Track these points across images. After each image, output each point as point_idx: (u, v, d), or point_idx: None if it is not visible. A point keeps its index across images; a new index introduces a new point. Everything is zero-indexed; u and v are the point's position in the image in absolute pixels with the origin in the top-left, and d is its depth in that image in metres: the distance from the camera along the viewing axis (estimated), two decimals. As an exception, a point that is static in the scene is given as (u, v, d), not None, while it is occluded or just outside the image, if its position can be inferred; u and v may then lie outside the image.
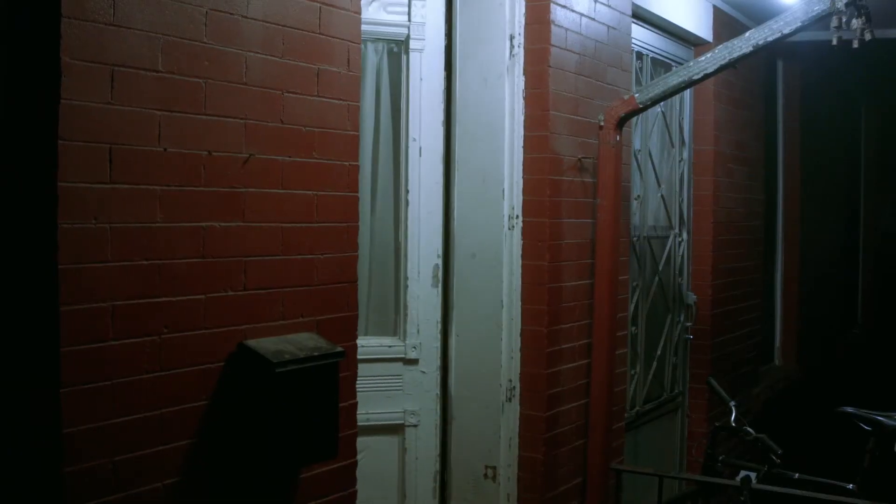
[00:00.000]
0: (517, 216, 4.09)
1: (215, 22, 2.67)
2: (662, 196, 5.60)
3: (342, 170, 3.13)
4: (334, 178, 3.09)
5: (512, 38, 4.06)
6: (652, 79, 5.25)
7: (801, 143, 7.82)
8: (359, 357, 3.26)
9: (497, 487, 4.11)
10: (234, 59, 2.73)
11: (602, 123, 4.17)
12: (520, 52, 4.07)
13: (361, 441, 3.33)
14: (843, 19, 3.61)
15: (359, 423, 3.27)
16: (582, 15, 4.27)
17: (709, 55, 4.00)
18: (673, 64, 5.52)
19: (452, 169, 4.14)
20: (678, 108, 5.76)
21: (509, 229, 4.08)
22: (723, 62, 3.95)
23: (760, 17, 5.14)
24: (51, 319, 2.31)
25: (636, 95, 4.15)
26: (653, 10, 5.08)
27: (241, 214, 2.77)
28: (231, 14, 2.72)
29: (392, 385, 4.02)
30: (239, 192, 2.76)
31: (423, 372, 4.06)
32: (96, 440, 2.39)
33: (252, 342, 2.78)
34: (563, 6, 4.13)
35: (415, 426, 4.06)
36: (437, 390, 4.10)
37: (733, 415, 4.48)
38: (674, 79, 4.08)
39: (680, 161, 5.83)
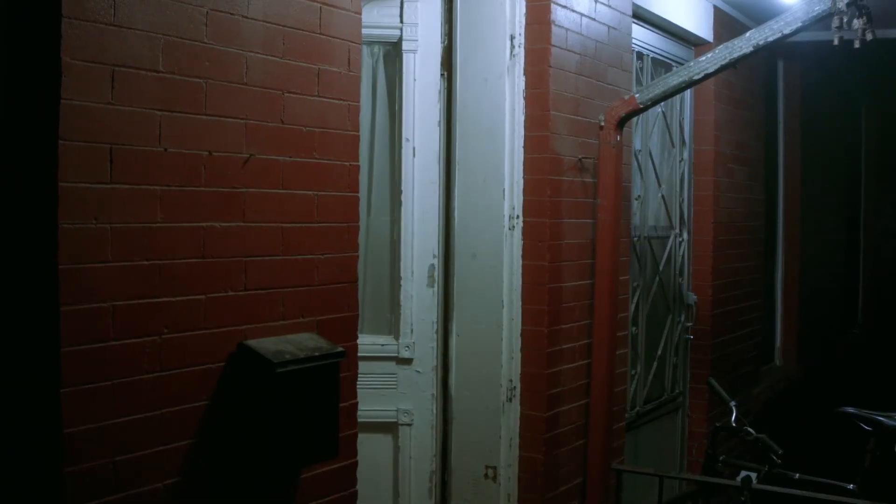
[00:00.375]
0: (517, 216, 4.09)
1: (216, 22, 2.67)
2: (663, 196, 5.60)
3: (342, 170, 3.13)
4: (334, 178, 3.09)
5: (512, 38, 4.06)
6: (652, 79, 5.25)
7: (801, 143, 7.82)
8: (356, 356, 3.27)
9: (497, 487, 4.11)
10: (234, 60, 2.73)
11: (602, 123, 4.17)
12: (520, 53, 4.07)
13: (355, 439, 3.33)
14: (844, 19, 3.60)
15: (355, 422, 3.28)
16: (582, 15, 4.27)
17: (709, 55, 4.00)
18: (673, 64, 5.52)
19: (453, 169, 4.14)
20: (678, 108, 5.76)
21: (510, 229, 4.08)
22: (723, 62, 3.95)
23: (761, 17, 5.14)
24: (51, 319, 2.31)
25: (636, 95, 4.15)
26: (653, 10, 5.08)
27: (242, 214, 2.77)
28: (231, 14, 2.72)
29: (386, 384, 4.04)
30: (239, 192, 2.76)
31: (419, 371, 4.07)
32: (96, 440, 2.39)
33: (252, 342, 2.78)
34: (564, 6, 4.13)
35: (409, 425, 4.06)
36: (433, 390, 4.11)
37: (733, 415, 4.48)
38: (674, 79, 4.08)
39: (680, 161, 5.83)
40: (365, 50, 3.95)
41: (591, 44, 4.36)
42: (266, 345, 2.79)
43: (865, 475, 4.49)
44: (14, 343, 2.38)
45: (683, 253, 5.88)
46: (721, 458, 4.48)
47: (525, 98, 4.08)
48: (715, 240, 5.96)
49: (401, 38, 4.03)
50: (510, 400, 4.10)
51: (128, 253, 2.46)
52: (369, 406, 3.89)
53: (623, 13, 4.65)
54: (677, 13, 5.39)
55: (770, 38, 3.83)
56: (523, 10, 4.06)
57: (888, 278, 10.55)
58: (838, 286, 9.51)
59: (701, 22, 5.71)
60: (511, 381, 4.10)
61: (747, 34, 3.92)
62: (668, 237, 5.71)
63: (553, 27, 4.05)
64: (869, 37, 3.62)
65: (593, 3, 4.37)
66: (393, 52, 4.07)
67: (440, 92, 4.10)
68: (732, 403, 4.53)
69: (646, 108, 4.21)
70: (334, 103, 3.08)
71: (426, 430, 4.10)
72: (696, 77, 4.03)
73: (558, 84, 4.10)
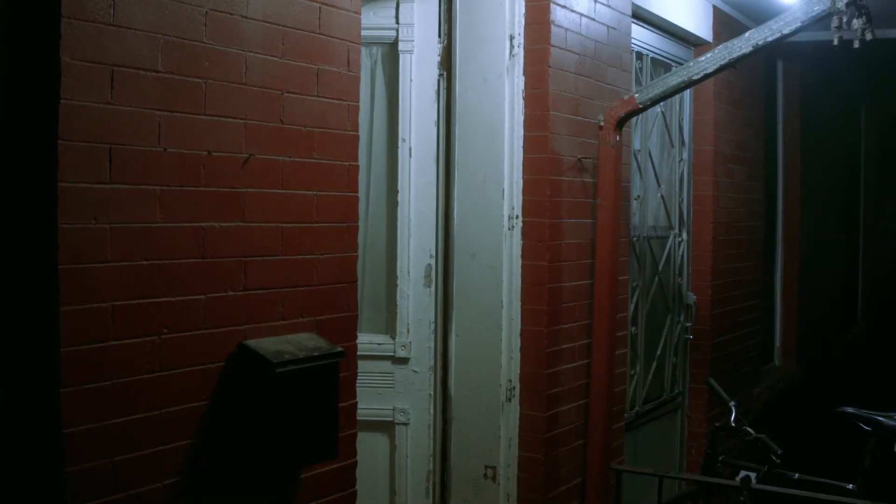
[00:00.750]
0: (517, 216, 4.10)
1: (215, 22, 2.67)
2: (662, 196, 5.60)
3: (342, 170, 3.13)
4: (334, 178, 3.09)
5: (512, 38, 4.06)
6: (652, 79, 5.26)
7: (801, 143, 7.82)
8: (353, 355, 3.27)
9: (497, 487, 4.11)
10: (234, 60, 2.73)
11: (602, 124, 4.17)
12: (520, 53, 4.07)
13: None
14: (844, 19, 3.60)
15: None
16: (582, 15, 4.27)
17: (709, 55, 4.00)
18: (673, 64, 5.52)
19: (452, 169, 4.14)
20: (678, 108, 5.76)
21: (509, 229, 4.09)
22: (722, 62, 3.95)
23: (760, 17, 5.14)
24: (51, 319, 2.31)
25: (636, 95, 4.15)
26: (653, 10, 5.08)
27: (241, 214, 2.77)
28: (231, 14, 2.72)
29: (382, 383, 4.05)
30: (239, 192, 2.76)
31: (416, 371, 4.07)
32: (96, 440, 2.39)
33: (252, 342, 2.78)
34: (563, 6, 4.13)
35: (405, 424, 4.07)
36: (431, 390, 4.11)
37: (733, 415, 4.48)
38: (673, 79, 4.08)
39: (680, 161, 5.83)
40: (363, 51, 3.95)
41: (591, 44, 4.36)
42: (266, 345, 2.79)
43: (865, 475, 4.49)
44: (14, 343, 2.38)
45: (683, 253, 5.89)
46: (720, 458, 4.48)
47: (524, 98, 4.08)
48: (714, 240, 5.97)
49: (397, 39, 4.04)
50: (510, 400, 4.10)
51: (128, 253, 2.46)
52: (366, 405, 3.89)
53: (622, 13, 4.65)
54: (677, 13, 5.39)
55: (769, 38, 3.83)
56: (523, 9, 4.06)
57: (888, 278, 10.54)
58: (838, 286, 9.51)
59: (700, 22, 5.71)
60: (511, 381, 4.10)
61: (747, 34, 3.92)
62: (667, 237, 5.71)
63: (552, 27, 4.06)
64: (868, 37, 3.62)
65: (593, 3, 4.37)
66: (391, 52, 4.07)
67: (439, 92, 4.10)
68: (732, 403, 4.53)
69: (645, 108, 4.21)
70: (334, 103, 3.08)
71: (423, 430, 4.10)
72: (695, 77, 4.03)
73: (558, 84, 4.10)
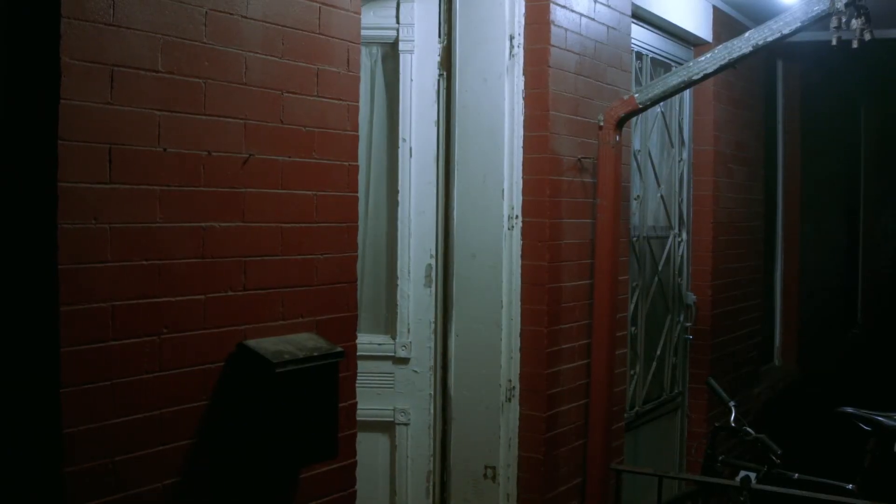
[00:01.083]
0: (517, 216, 4.10)
1: (215, 22, 2.67)
2: (662, 196, 5.60)
3: (342, 170, 3.13)
4: (334, 178, 3.09)
5: (512, 38, 4.06)
6: (652, 79, 5.26)
7: (801, 143, 7.82)
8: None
9: (497, 487, 4.11)
10: (233, 60, 2.73)
11: (602, 124, 4.17)
12: (519, 53, 4.07)
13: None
14: (843, 19, 3.60)
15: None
16: (582, 15, 4.27)
17: (708, 55, 4.00)
18: (673, 64, 5.52)
19: (452, 169, 4.14)
20: (678, 109, 5.77)
21: (509, 229, 4.09)
22: (722, 62, 3.95)
23: (760, 17, 5.14)
24: (51, 319, 2.31)
25: (636, 96, 4.15)
26: (653, 10, 5.08)
27: (241, 214, 2.77)
28: (231, 14, 2.72)
29: (383, 383, 4.06)
30: (239, 193, 2.76)
31: (416, 371, 4.07)
32: (96, 440, 2.39)
33: (252, 342, 2.78)
34: (563, 6, 4.13)
35: (406, 424, 4.07)
36: (431, 390, 4.11)
37: (733, 415, 4.48)
38: (673, 79, 4.08)
39: (680, 161, 5.83)
40: (363, 51, 3.96)
41: (591, 44, 4.36)
42: (265, 345, 2.79)
43: (865, 475, 4.49)
44: (14, 343, 2.38)
45: (683, 253, 5.89)
46: (720, 458, 4.48)
47: (524, 98, 4.08)
48: (714, 240, 5.97)
49: (397, 39, 4.04)
50: (510, 400, 4.10)
51: (127, 253, 2.46)
52: (366, 405, 3.89)
53: (622, 13, 4.65)
54: (676, 13, 5.39)
55: (769, 39, 3.83)
56: (522, 10, 4.07)
57: (888, 278, 10.55)
58: (838, 286, 9.51)
59: (700, 22, 5.71)
60: (510, 380, 4.10)
61: (746, 34, 3.92)
62: (667, 237, 5.71)
63: (552, 27, 4.06)
64: (867, 37, 3.62)
65: (592, 3, 4.37)
66: (390, 53, 4.08)
67: (439, 92, 4.10)
68: (732, 403, 4.53)
69: (645, 109, 4.21)
70: (334, 103, 3.08)
71: (423, 430, 4.10)
72: (695, 77, 4.03)
73: (558, 84, 4.10)
